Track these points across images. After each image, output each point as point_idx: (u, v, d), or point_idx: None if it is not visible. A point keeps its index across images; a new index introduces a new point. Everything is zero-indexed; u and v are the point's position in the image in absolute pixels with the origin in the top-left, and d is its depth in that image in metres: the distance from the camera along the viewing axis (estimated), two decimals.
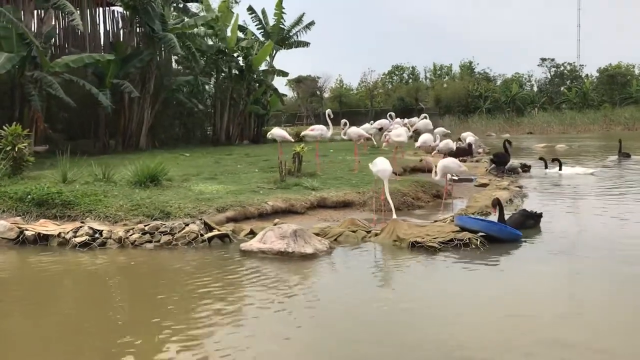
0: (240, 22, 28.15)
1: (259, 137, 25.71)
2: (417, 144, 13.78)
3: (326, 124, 14.24)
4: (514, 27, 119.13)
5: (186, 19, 19.48)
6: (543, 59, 60.58)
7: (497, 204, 8.26)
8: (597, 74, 58.26)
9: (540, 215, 8.54)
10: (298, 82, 60.86)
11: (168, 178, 11.00)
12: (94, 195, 8.90)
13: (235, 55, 23.59)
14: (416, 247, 7.28)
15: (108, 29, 21.61)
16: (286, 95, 42.32)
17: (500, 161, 14.56)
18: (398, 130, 12.25)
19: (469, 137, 18.87)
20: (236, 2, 25.88)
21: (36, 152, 15.18)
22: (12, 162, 10.78)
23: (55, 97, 15.15)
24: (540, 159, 16.30)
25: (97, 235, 7.76)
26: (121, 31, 20.03)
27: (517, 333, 4.65)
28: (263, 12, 28.20)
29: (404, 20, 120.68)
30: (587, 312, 5.19)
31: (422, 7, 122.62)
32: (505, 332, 4.70)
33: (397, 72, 70.81)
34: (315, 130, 13.20)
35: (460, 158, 17.44)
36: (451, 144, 14.31)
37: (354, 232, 8.00)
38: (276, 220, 8.49)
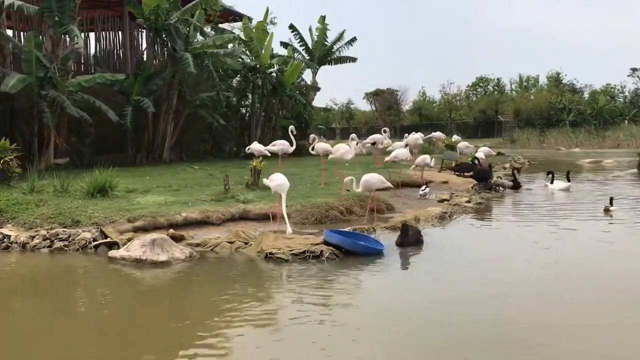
0: (286, 40, 29.22)
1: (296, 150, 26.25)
2: (388, 158, 13.85)
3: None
4: (605, 36, 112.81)
5: (204, 39, 20.56)
6: (633, 69, 57.41)
7: (404, 228, 8.46)
8: None
9: (419, 232, 8.64)
10: (375, 95, 61.28)
11: (130, 190, 11.93)
12: (25, 204, 9.86)
13: (269, 72, 24.43)
14: (268, 257, 7.64)
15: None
16: (330, 110, 42.88)
17: (479, 177, 14.37)
18: (341, 146, 12.50)
19: (482, 151, 18.60)
20: (272, 23, 26.85)
21: (56, 164, 16.76)
22: None
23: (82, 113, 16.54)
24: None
25: (5, 239, 8.69)
26: (146, 50, 21.44)
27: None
28: (310, 29, 29.02)
29: (490, 29, 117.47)
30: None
31: (510, 15, 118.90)
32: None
33: (481, 84, 69.45)
34: (277, 145, 13.70)
35: (464, 174, 17.31)
36: (428, 160, 14.24)
37: (231, 243, 8.44)
38: (170, 230, 9.04)
